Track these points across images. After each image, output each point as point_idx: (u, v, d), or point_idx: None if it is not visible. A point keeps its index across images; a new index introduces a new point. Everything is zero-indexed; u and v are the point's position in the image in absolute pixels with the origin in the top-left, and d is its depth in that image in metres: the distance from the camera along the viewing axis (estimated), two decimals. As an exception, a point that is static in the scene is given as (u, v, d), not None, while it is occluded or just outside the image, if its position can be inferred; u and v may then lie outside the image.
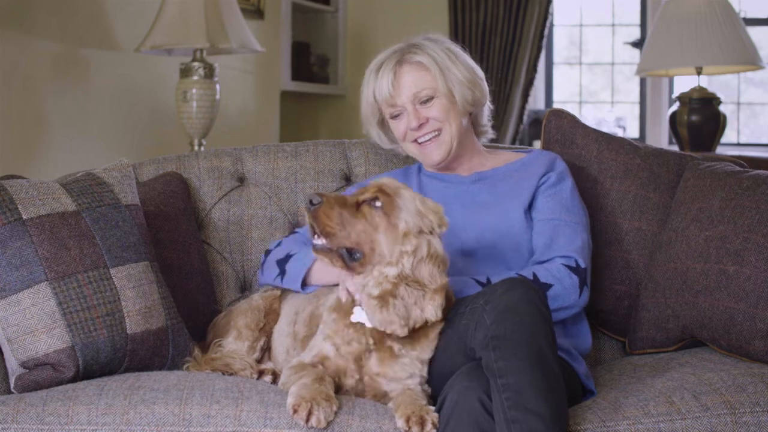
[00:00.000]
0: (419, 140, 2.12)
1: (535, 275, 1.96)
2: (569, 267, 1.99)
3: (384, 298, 1.72)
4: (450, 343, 1.78)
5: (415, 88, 2.08)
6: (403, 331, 1.72)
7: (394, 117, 2.12)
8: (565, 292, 1.97)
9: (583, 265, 2.01)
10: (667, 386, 1.85)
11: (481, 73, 2.15)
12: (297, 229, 2.24)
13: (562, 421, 1.61)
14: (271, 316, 2.08)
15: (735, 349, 1.99)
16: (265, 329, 2.07)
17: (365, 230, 1.78)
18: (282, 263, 2.08)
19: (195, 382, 1.80)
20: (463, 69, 2.10)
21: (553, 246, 2.02)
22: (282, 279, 2.06)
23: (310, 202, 1.77)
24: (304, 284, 2.03)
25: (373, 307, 1.72)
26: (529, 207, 2.09)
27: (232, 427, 1.70)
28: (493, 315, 1.65)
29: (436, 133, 2.10)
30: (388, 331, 1.73)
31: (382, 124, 2.20)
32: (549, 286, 1.95)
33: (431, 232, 1.79)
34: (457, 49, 2.14)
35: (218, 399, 1.74)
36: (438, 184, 2.18)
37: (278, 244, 2.15)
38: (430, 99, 2.08)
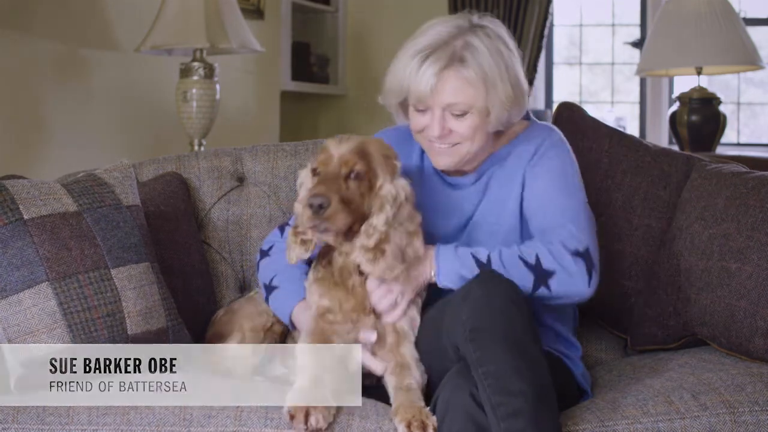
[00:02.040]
0: (434, 143, 2.00)
1: (538, 259, 1.86)
2: (572, 252, 1.88)
3: (379, 247, 1.79)
4: (439, 345, 1.79)
5: (453, 99, 1.93)
6: (404, 275, 1.83)
7: (419, 110, 1.99)
8: (572, 280, 1.87)
9: (587, 248, 1.89)
10: (666, 386, 1.85)
11: (525, 86, 2.00)
12: (290, 222, 2.10)
13: (546, 401, 1.62)
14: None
15: (735, 346, 1.99)
16: (273, 330, 2.06)
17: (358, 204, 1.83)
18: (268, 290, 2.03)
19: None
20: (509, 86, 1.95)
21: (553, 227, 1.91)
22: (269, 304, 2.05)
23: (319, 206, 1.76)
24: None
25: (371, 258, 1.79)
26: (522, 191, 2.00)
27: (233, 427, 1.70)
28: (468, 310, 1.68)
29: (454, 145, 1.99)
30: (391, 278, 1.81)
31: (403, 103, 2.06)
32: (552, 273, 1.85)
33: (394, 174, 1.86)
34: (512, 53, 1.98)
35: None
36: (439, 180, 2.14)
37: (270, 248, 2.09)
38: (463, 114, 1.95)
